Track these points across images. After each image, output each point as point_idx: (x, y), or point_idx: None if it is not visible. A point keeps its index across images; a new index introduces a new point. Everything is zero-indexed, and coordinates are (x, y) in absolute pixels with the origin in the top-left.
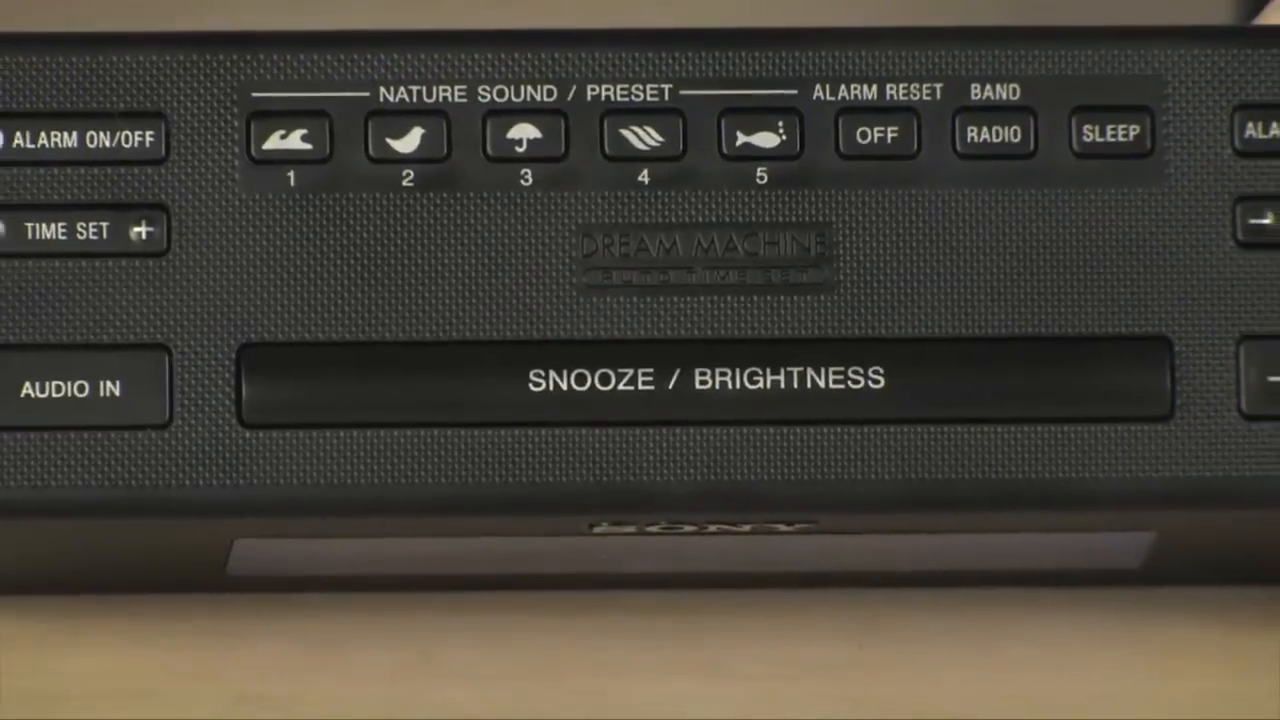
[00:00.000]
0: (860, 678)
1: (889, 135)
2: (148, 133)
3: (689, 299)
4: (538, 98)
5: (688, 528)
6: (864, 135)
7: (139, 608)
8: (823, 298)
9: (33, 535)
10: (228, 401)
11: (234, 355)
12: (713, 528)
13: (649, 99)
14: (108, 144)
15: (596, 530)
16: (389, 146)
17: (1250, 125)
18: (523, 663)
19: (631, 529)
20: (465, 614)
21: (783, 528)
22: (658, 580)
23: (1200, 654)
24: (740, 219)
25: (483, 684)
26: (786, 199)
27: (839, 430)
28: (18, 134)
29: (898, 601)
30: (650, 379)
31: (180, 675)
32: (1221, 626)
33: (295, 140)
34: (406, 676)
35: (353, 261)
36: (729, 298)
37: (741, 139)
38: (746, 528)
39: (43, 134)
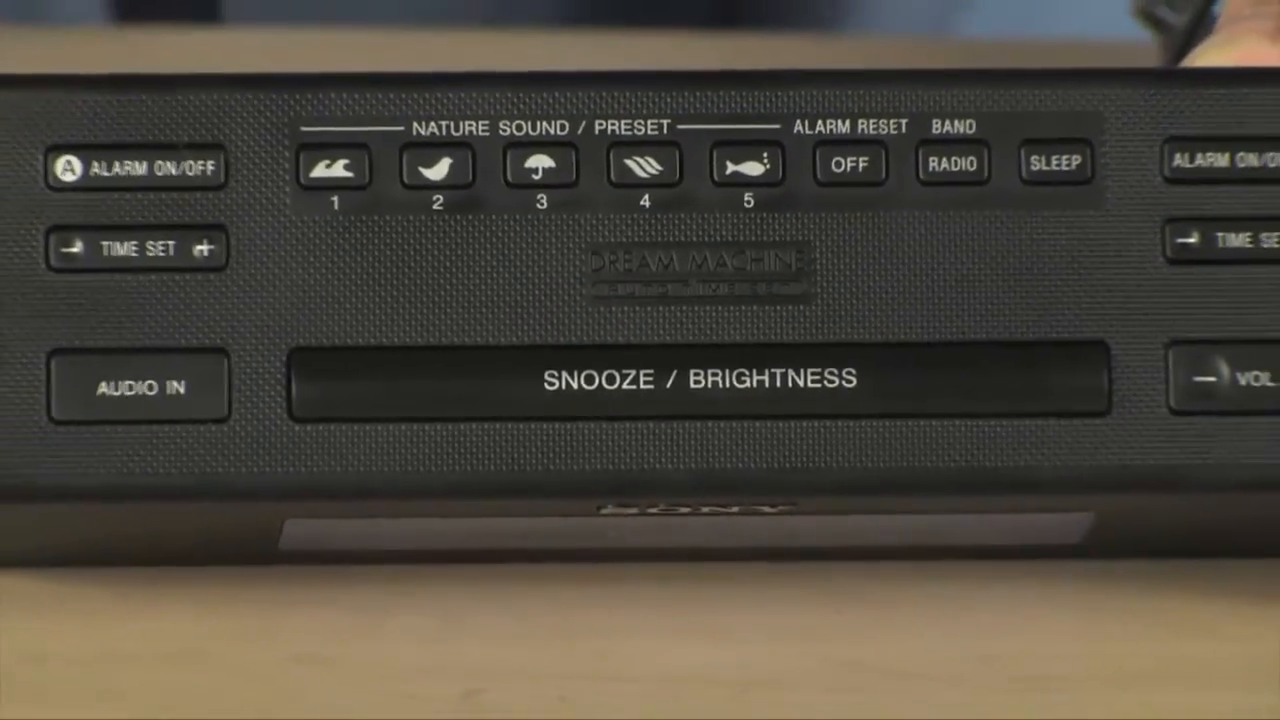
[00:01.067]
0: (839, 638)
1: (860, 164)
2: (209, 162)
3: (685, 308)
4: (552, 131)
5: (683, 510)
6: (838, 164)
7: (190, 578)
8: (802, 308)
9: (103, 516)
10: (279, 398)
11: (285, 358)
12: (705, 510)
13: (649, 133)
14: (174, 172)
15: (603, 512)
16: (421, 174)
17: (1178, 155)
18: (540, 626)
19: (634, 511)
20: (489, 584)
21: (767, 509)
22: (658, 554)
23: (1140, 619)
24: (730, 238)
25: (505, 644)
26: (770, 220)
27: (816, 424)
28: (94, 163)
29: (871, 574)
30: (651, 379)
31: (233, 638)
32: (1157, 595)
33: (339, 169)
34: (440, 638)
35: (389, 275)
36: (720, 307)
37: (731, 168)
38: (735, 509)
39: (117, 163)
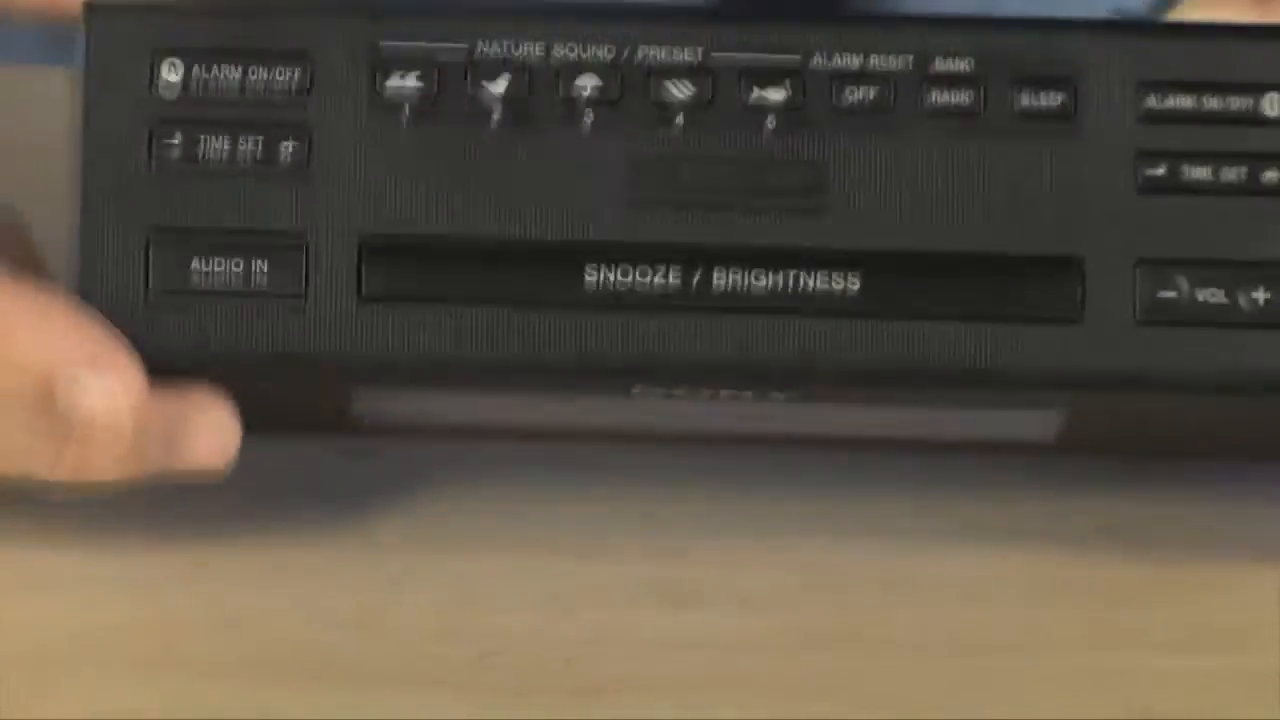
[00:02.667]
0: (808, 609)
1: (870, 95)
2: (295, 70)
3: (710, 215)
4: (600, 56)
5: (705, 393)
6: (851, 94)
7: (241, 558)
8: (814, 218)
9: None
10: (350, 280)
11: (356, 245)
12: (724, 394)
13: (685, 59)
14: (265, 78)
15: (634, 392)
16: (483, 89)
17: (1150, 97)
18: (547, 598)
19: (660, 393)
20: (502, 558)
21: (776, 396)
22: (680, 436)
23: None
24: (753, 155)
25: (516, 613)
26: (789, 141)
27: (822, 321)
28: (195, 67)
29: (845, 553)
30: (679, 275)
31: (276, 610)
32: (1106, 557)
33: (410, 81)
34: (457, 607)
35: (451, 177)
36: (741, 215)
37: (756, 93)
38: (749, 395)
39: (215, 69)
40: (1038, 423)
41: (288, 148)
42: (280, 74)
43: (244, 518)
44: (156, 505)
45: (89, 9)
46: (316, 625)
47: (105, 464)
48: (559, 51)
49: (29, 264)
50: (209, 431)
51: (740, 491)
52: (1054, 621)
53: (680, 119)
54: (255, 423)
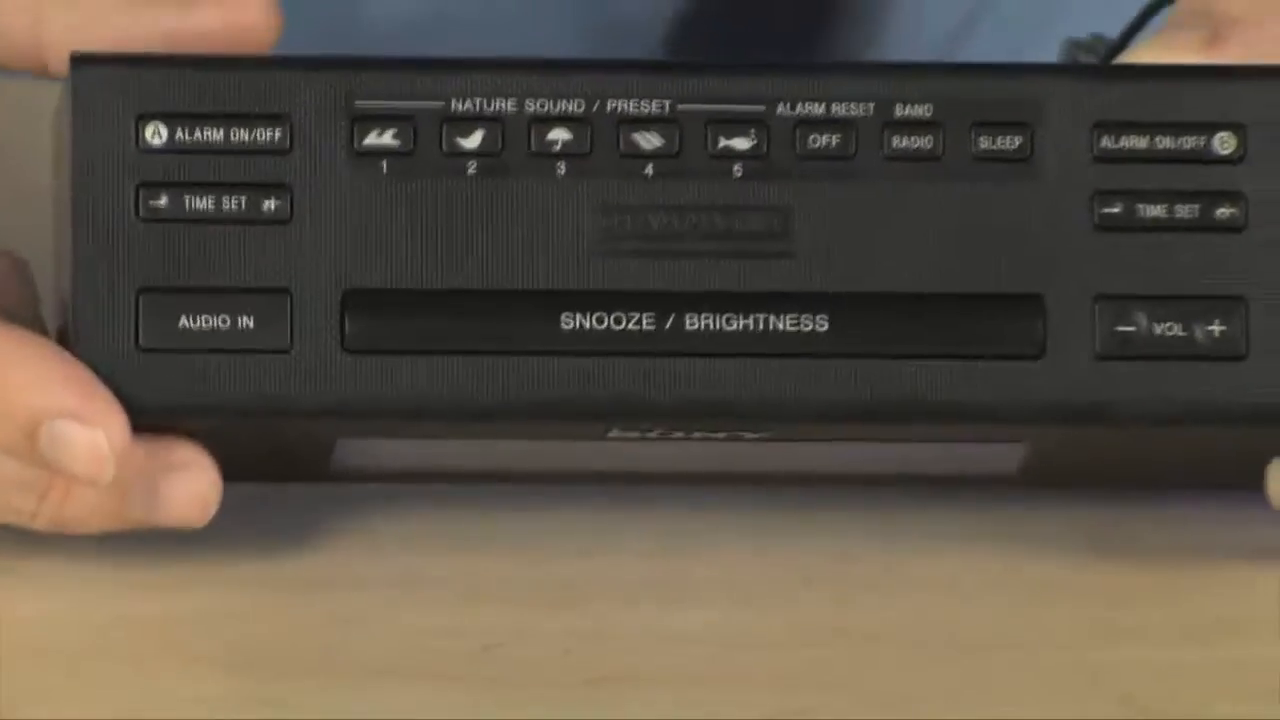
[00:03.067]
0: (811, 605)
1: (833, 141)
2: (276, 130)
3: (681, 261)
4: (570, 109)
5: (677, 434)
6: (814, 141)
7: (254, 556)
8: (781, 262)
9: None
10: (334, 332)
11: (339, 298)
12: (697, 434)
13: (653, 111)
14: (246, 139)
15: (610, 435)
16: (458, 144)
17: (1105, 138)
18: (548, 593)
19: (635, 435)
20: (505, 558)
21: (748, 435)
22: (652, 478)
23: (1069, 587)
24: (720, 202)
25: (518, 607)
26: (755, 188)
27: (792, 362)
28: (178, 129)
29: (838, 548)
30: (651, 320)
31: (287, 604)
32: (1095, 564)
33: (387, 138)
34: (462, 602)
35: (429, 229)
36: (711, 260)
37: (723, 142)
38: (721, 435)
39: (198, 130)
40: (1001, 456)
41: (270, 204)
42: (261, 133)
43: (244, 515)
44: None
45: (75, 61)
46: (323, 622)
47: (84, 516)
48: (531, 106)
49: (24, 309)
50: (190, 486)
51: (739, 491)
52: (1051, 620)
53: (649, 169)
54: (237, 474)
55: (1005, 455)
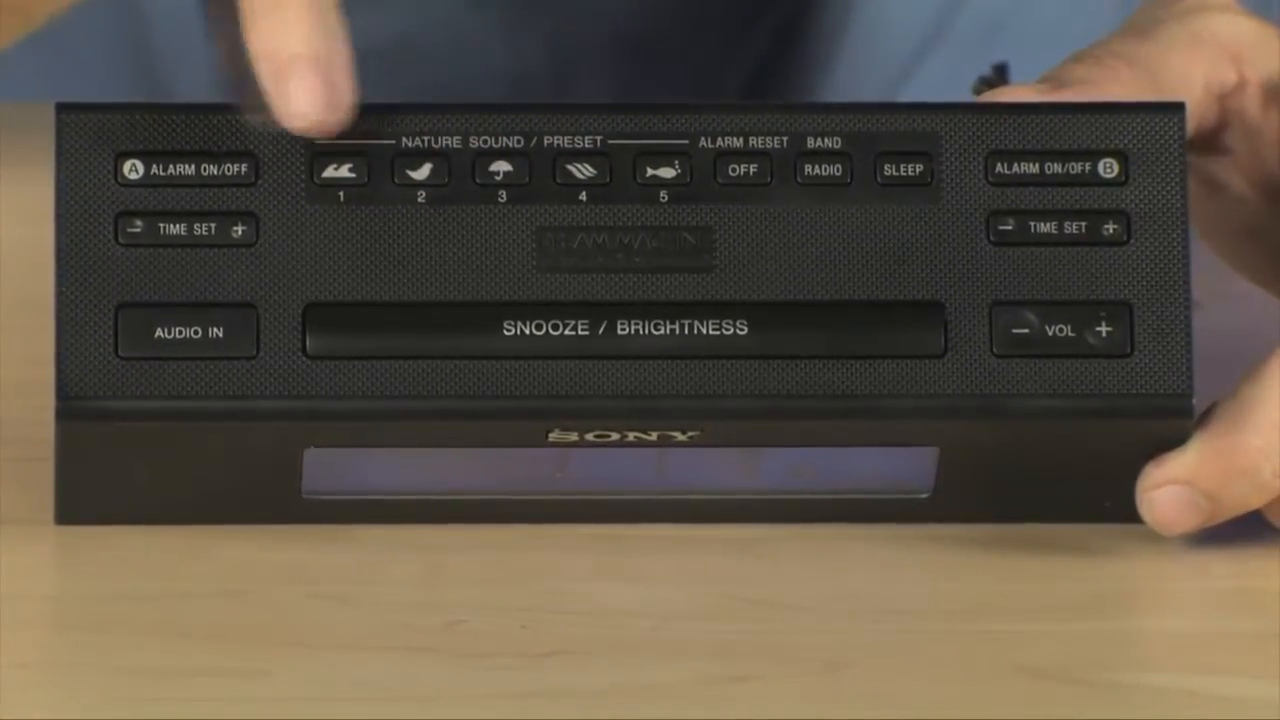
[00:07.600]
0: (740, 581)
1: (751, 170)
2: (243, 164)
3: (613, 276)
4: (510, 145)
5: (613, 435)
6: (734, 170)
7: (237, 539)
8: (704, 275)
9: (158, 455)
10: (296, 341)
11: (301, 311)
12: (631, 436)
13: (587, 145)
14: (215, 172)
15: (550, 437)
16: (408, 175)
17: (999, 164)
18: (506, 573)
19: (574, 436)
20: (467, 541)
21: (679, 436)
22: (593, 509)
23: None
24: (648, 224)
25: (479, 586)
26: (680, 211)
27: (715, 364)
28: (153, 166)
29: (773, 531)
30: (586, 328)
31: (268, 581)
32: (999, 548)
33: (344, 171)
34: (427, 582)
35: (383, 251)
36: (640, 275)
37: (650, 172)
38: (654, 435)
39: (171, 165)
40: (916, 469)
41: (238, 230)
42: (229, 167)
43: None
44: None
45: (60, 109)
46: (304, 596)
47: None
48: (474, 142)
49: None
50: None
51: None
52: (950, 593)
53: (584, 195)
54: (210, 513)
55: (920, 467)
